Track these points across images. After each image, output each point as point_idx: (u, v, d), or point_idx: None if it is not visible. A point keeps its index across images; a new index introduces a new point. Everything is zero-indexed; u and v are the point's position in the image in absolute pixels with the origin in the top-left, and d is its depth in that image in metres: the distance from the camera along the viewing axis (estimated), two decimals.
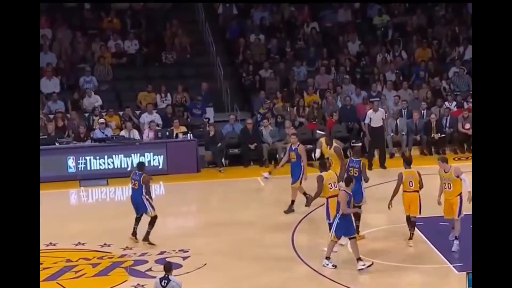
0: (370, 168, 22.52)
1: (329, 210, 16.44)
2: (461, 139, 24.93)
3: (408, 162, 17.20)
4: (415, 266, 16.04)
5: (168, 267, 12.83)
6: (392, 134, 24.80)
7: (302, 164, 19.14)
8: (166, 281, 12.57)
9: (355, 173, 17.35)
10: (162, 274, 12.76)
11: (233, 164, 24.39)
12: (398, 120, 24.97)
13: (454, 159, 23.98)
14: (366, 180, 17.67)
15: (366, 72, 27.67)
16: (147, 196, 17.20)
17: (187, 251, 17.00)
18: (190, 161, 23.44)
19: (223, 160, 24.23)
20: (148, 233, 17.31)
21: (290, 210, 19.28)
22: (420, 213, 16.99)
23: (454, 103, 26.02)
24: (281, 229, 17.86)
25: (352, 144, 24.50)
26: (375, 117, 23.27)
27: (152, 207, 17.25)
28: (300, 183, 19.21)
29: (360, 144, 24.12)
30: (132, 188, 17.43)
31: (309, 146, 24.30)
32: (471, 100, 25.69)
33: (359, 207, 17.06)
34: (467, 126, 24.84)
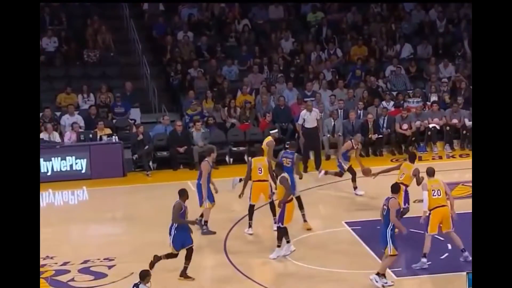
0: (305, 170, 22.10)
1: (285, 214, 15.91)
2: (398, 140, 24.50)
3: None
4: (351, 272, 15.56)
5: (143, 275, 12.93)
6: (328, 135, 24.22)
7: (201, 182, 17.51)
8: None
9: (288, 164, 17.38)
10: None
11: (161, 168, 23.46)
12: (335, 120, 24.31)
13: (391, 160, 23.63)
14: (301, 176, 18.11)
15: (301, 71, 27.00)
16: (173, 228, 15.15)
17: (113, 260, 16.40)
18: (115, 164, 22.54)
19: (150, 163, 23.12)
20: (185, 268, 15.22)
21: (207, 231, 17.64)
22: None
23: (392, 102, 25.57)
24: (213, 234, 17.16)
25: (286, 146, 23.91)
26: (309, 118, 22.69)
27: (175, 243, 14.97)
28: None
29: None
30: None
31: (241, 148, 23.67)
32: (409, 99, 25.53)
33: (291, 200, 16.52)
34: (405, 126, 24.46)
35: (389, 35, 28.04)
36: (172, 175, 22.57)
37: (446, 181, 20.98)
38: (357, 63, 26.95)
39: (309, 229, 17.42)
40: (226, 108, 24.86)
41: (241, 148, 23.90)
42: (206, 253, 16.85)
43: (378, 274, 14.48)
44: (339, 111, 24.69)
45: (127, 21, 28.02)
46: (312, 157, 22.97)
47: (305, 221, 17.54)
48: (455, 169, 22.27)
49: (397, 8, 29.11)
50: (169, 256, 15.11)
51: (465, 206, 19.32)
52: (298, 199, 17.34)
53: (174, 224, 15.10)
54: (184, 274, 15.17)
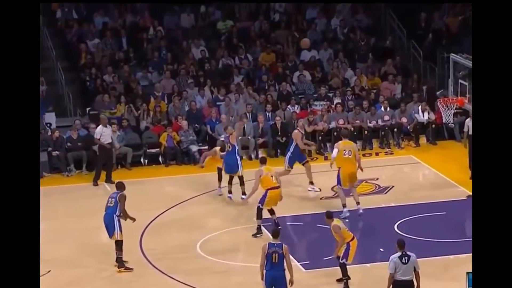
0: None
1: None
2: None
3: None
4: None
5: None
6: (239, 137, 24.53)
7: None
8: None
9: None
10: None
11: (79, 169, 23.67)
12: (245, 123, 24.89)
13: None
14: None
15: (211, 76, 27.43)
16: (119, 216, 16.46)
17: None
18: None
19: (72, 166, 23.52)
20: (120, 258, 16.44)
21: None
22: None
23: (297, 106, 26.01)
24: (129, 232, 17.30)
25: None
26: None
27: (120, 229, 16.41)
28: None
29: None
30: (107, 206, 16.62)
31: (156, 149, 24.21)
32: (315, 102, 26.01)
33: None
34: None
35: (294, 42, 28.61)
36: (91, 177, 22.51)
37: None
38: (262, 69, 27.37)
39: None
40: (138, 112, 25.15)
41: (155, 150, 24.35)
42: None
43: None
44: (248, 114, 25.13)
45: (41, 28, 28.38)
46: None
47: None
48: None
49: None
50: (120, 245, 16.23)
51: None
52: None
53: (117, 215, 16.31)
54: (122, 265, 16.33)
